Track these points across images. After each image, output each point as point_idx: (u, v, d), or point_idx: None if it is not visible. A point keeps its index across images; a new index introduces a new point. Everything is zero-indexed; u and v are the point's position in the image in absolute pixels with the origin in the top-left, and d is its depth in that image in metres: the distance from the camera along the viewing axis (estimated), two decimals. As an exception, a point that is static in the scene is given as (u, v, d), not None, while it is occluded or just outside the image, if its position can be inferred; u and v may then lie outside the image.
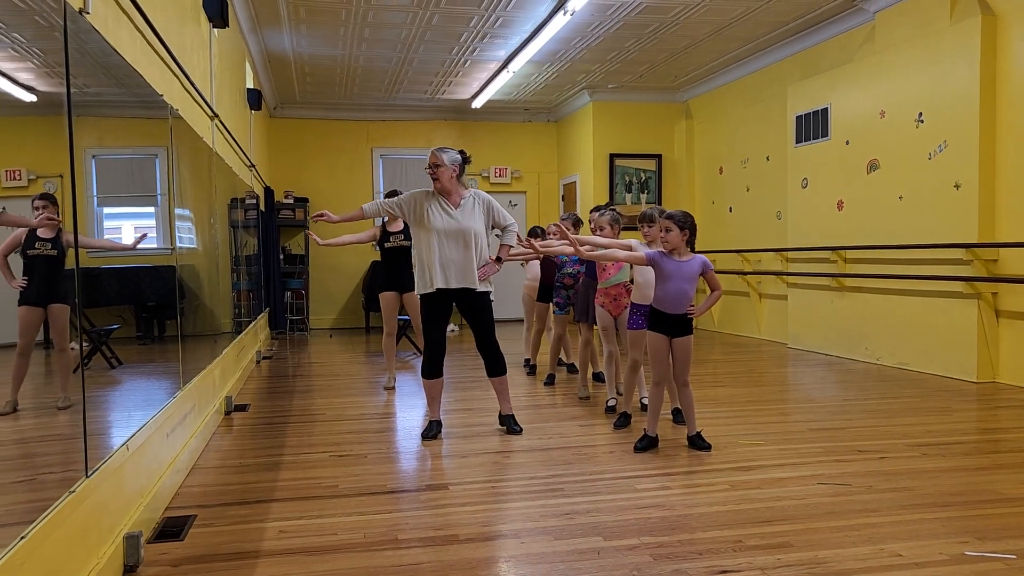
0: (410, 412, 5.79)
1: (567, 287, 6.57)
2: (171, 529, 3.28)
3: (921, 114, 7.11)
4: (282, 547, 3.09)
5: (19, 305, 2.44)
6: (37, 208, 2.50)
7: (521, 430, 4.97)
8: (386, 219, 6.62)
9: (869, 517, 3.35)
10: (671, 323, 4.41)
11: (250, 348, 8.24)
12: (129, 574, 2.83)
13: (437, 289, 4.80)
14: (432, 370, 4.95)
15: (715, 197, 11.19)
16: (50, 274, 2.52)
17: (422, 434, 4.95)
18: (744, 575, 2.77)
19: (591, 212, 6.44)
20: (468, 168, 5.02)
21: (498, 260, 5.03)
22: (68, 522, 2.39)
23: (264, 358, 8.87)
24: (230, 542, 3.15)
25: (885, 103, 7.55)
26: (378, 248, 6.72)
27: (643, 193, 12.04)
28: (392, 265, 6.64)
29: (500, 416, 5.09)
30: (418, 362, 8.17)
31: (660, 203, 11.90)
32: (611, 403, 5.54)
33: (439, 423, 5.01)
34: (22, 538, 2.07)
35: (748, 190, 10.36)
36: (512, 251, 5.28)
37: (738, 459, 4.30)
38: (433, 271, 4.79)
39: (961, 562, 2.87)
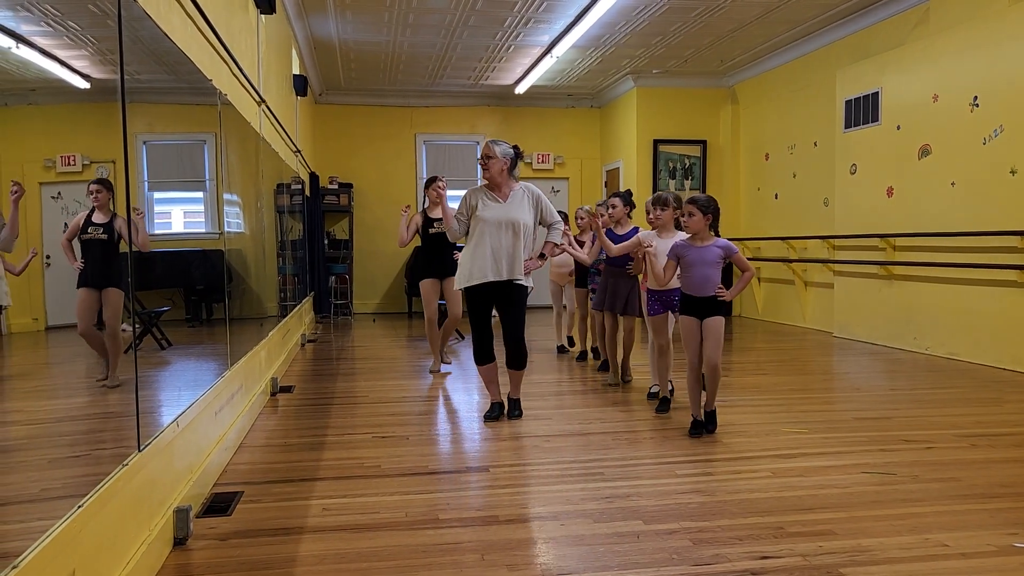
0: (451, 396, 5.84)
1: (600, 273, 6.61)
2: (219, 504, 3.36)
3: (976, 98, 6.93)
4: (326, 524, 3.15)
5: (77, 287, 2.51)
6: (91, 192, 2.55)
7: (520, 415, 4.99)
8: (427, 205, 6.64)
9: (914, 507, 3.30)
10: (700, 305, 4.43)
11: (295, 331, 8.37)
12: (179, 547, 2.92)
13: (482, 283, 4.80)
14: (483, 356, 4.98)
15: (761, 183, 11.03)
16: (102, 258, 2.56)
17: (484, 416, 4.99)
18: (785, 561, 2.75)
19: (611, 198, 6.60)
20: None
21: (542, 256, 5.04)
22: (121, 494, 2.47)
23: (309, 341, 9.01)
24: (276, 518, 3.23)
25: (938, 87, 7.36)
26: (419, 234, 6.68)
27: (687, 179, 11.92)
28: (434, 251, 6.63)
29: (509, 399, 5.08)
30: (459, 347, 8.24)
31: (704, 189, 11.78)
32: (654, 390, 5.53)
33: (501, 405, 5.04)
34: (79, 507, 2.15)
35: (795, 176, 10.20)
36: (557, 250, 5.30)
37: (781, 447, 4.26)
38: (481, 262, 4.78)
39: (1009, 554, 2.81)
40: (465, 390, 6.03)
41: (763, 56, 10.50)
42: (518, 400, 5.08)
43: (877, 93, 8.17)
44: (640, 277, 5.54)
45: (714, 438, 4.43)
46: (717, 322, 4.43)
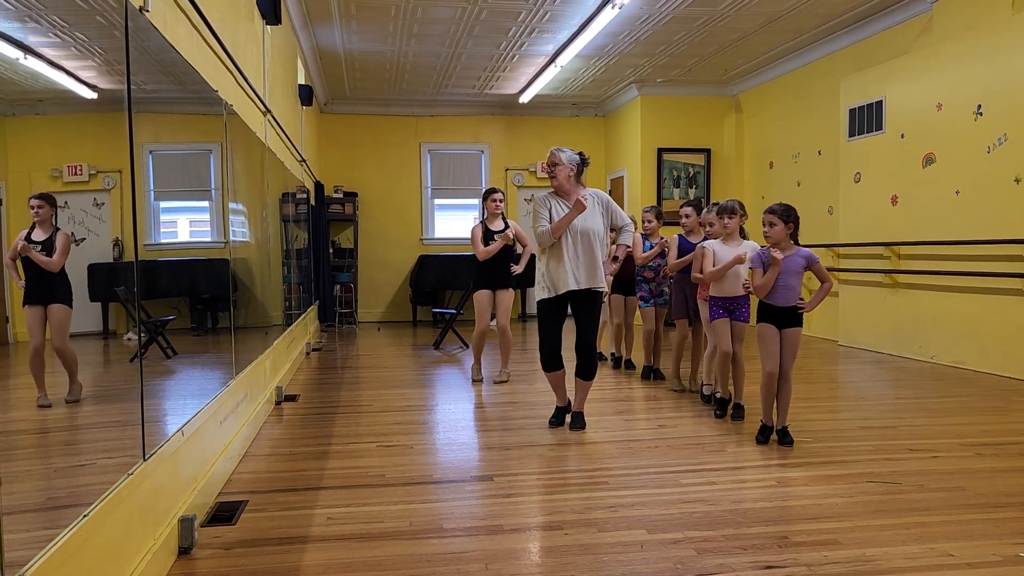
0: (455, 405, 5.84)
1: (648, 280, 6.60)
2: (224, 513, 3.37)
3: (980, 106, 6.93)
4: (330, 533, 3.16)
5: (23, 306, 2.44)
6: (32, 208, 2.46)
7: (584, 427, 4.92)
8: (486, 217, 6.61)
9: (919, 516, 3.29)
10: (780, 315, 4.41)
11: (300, 340, 8.38)
12: (183, 556, 2.92)
13: (562, 293, 4.77)
14: (554, 364, 4.95)
15: (765, 192, 11.03)
16: (42, 275, 2.48)
17: (550, 421, 5.02)
18: (789, 571, 2.75)
19: (644, 211, 6.66)
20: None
21: (615, 260, 5.07)
22: (126, 503, 2.48)
23: (313, 350, 9.02)
24: (280, 527, 3.23)
25: (942, 95, 7.36)
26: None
27: (691, 188, 11.92)
28: (493, 262, 6.52)
29: (572, 412, 5.02)
30: (464, 355, 8.24)
31: (708, 198, 11.79)
32: (706, 390, 5.59)
33: (566, 409, 5.05)
34: (84, 516, 2.16)
35: (799, 185, 10.20)
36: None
37: (786, 456, 4.25)
38: (562, 273, 4.76)
39: (1014, 564, 2.80)
40: (470, 399, 6.03)
41: (767, 65, 10.52)
42: (582, 413, 5.01)
43: (881, 102, 8.17)
44: (699, 285, 5.48)
45: (720, 447, 4.43)
46: (796, 333, 4.44)
